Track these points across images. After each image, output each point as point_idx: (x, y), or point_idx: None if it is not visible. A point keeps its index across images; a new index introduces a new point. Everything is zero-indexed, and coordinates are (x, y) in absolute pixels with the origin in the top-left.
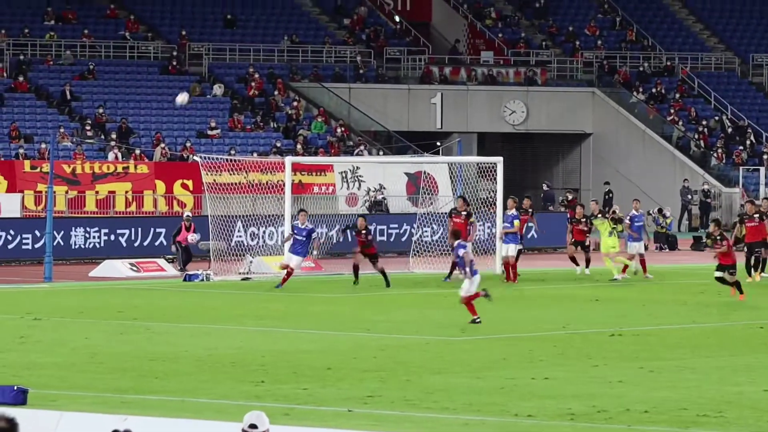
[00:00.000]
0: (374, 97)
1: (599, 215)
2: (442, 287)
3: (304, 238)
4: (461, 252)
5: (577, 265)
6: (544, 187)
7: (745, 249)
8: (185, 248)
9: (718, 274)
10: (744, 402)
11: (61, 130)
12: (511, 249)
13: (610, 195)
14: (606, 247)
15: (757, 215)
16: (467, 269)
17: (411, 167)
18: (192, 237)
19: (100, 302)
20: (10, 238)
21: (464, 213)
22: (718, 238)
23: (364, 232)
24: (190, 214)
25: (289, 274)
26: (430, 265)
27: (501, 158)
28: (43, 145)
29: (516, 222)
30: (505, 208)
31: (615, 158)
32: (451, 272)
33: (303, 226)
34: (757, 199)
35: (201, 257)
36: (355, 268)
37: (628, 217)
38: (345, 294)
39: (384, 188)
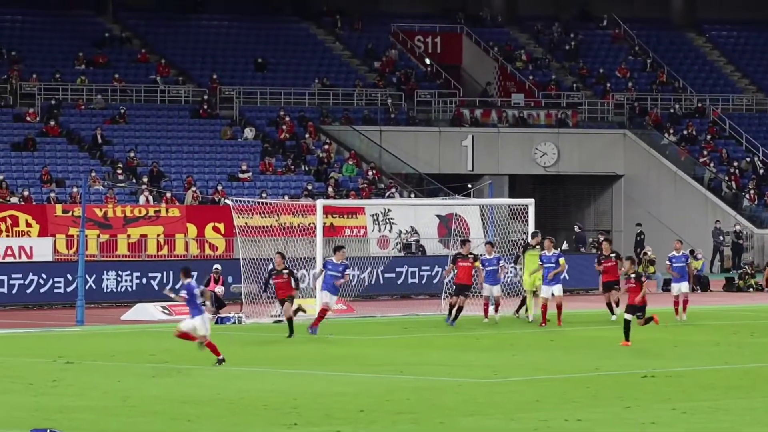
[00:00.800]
0: (405, 140)
1: (537, 246)
2: (475, 328)
3: (340, 275)
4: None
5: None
6: (576, 229)
7: None
8: (217, 298)
9: (627, 316)
10: None
11: (93, 174)
12: (557, 290)
13: (642, 236)
14: (532, 282)
15: None
16: None
17: (442, 209)
18: (219, 290)
19: (132, 346)
20: (42, 281)
21: (471, 257)
22: (632, 276)
23: (286, 272)
24: (219, 267)
25: (324, 312)
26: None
27: (532, 200)
28: (75, 189)
29: (561, 260)
30: (542, 248)
31: (646, 200)
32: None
33: (339, 262)
34: None
35: (233, 300)
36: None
37: (668, 258)
38: (377, 336)
39: (416, 231)
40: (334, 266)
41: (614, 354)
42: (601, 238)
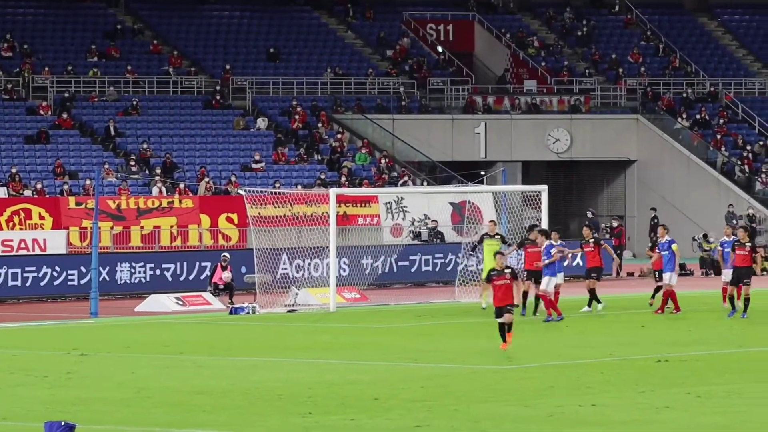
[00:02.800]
0: (418, 128)
1: (496, 235)
2: (487, 315)
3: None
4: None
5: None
6: (589, 215)
7: None
8: (226, 285)
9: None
10: None
11: (106, 166)
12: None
13: (656, 221)
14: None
15: None
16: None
17: (455, 197)
18: (226, 275)
19: (147, 337)
20: (56, 274)
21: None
22: (591, 241)
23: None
24: (228, 255)
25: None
26: (476, 295)
27: (546, 186)
28: (88, 182)
29: (553, 251)
30: (548, 237)
31: (659, 185)
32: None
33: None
34: None
35: (247, 290)
36: None
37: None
38: (391, 324)
39: (429, 219)
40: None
41: (628, 339)
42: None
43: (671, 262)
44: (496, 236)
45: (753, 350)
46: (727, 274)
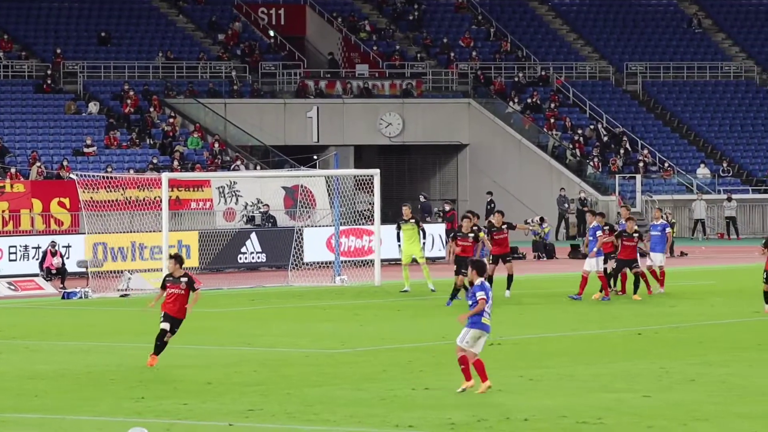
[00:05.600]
0: (250, 112)
1: (411, 220)
2: (322, 299)
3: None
4: (479, 296)
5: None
6: (421, 199)
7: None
8: (58, 270)
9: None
10: (623, 408)
11: None
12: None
13: (492, 205)
14: (409, 256)
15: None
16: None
17: (288, 181)
18: (57, 261)
19: None
20: None
21: (471, 235)
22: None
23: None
24: (57, 241)
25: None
26: (309, 279)
27: (378, 170)
28: None
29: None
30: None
31: (492, 169)
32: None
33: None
34: (634, 206)
35: (79, 275)
36: None
37: (650, 227)
38: (224, 309)
39: (262, 203)
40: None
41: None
42: (448, 208)
43: (661, 243)
44: (412, 221)
45: (585, 333)
46: (655, 258)
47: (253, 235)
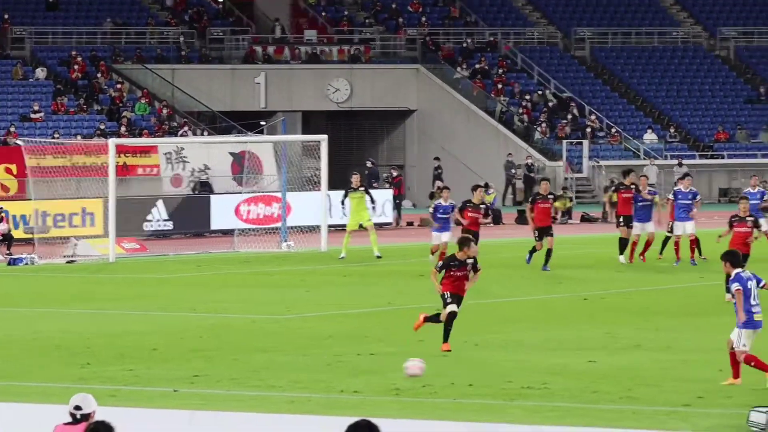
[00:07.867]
0: (198, 78)
1: (360, 188)
2: (268, 265)
3: (448, 215)
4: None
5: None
6: (369, 165)
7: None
8: (4, 236)
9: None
10: (568, 373)
11: None
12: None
13: (440, 171)
14: (356, 223)
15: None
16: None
17: (235, 147)
18: (3, 227)
19: None
20: None
21: (483, 207)
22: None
23: None
24: (3, 206)
25: (443, 255)
26: (255, 244)
27: (325, 136)
28: None
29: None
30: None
31: (440, 134)
32: None
33: (447, 204)
34: (580, 172)
35: (25, 241)
36: None
37: (673, 194)
38: (170, 275)
39: (208, 168)
40: (444, 208)
41: (408, 289)
42: (395, 174)
43: (688, 211)
44: (360, 189)
45: (531, 299)
46: (678, 226)
47: (159, 203)
